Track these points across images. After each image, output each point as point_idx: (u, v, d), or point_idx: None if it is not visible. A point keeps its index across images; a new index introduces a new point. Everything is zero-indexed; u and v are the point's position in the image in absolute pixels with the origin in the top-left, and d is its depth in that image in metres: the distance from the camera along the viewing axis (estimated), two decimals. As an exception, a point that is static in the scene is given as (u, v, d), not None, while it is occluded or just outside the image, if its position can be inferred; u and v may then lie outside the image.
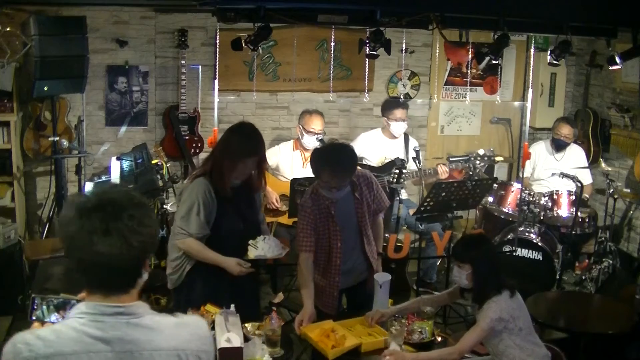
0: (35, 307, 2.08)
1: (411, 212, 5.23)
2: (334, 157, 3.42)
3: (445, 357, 2.96)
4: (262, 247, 3.39)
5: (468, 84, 6.45)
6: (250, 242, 3.41)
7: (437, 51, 6.26)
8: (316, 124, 5.23)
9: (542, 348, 3.07)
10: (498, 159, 5.49)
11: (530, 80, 6.42)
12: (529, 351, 2.99)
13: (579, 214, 5.20)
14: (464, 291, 3.20)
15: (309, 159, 5.25)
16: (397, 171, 4.92)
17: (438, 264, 5.58)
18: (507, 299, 2.98)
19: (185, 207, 3.33)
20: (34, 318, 2.04)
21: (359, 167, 3.72)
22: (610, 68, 4.79)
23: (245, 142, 3.36)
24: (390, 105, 5.60)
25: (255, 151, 3.40)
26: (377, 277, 3.42)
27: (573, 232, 5.25)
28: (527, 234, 5.20)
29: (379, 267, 3.79)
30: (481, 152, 5.34)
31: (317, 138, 5.24)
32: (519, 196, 5.27)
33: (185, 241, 3.35)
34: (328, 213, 3.52)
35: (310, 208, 3.51)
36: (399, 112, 5.47)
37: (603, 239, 5.46)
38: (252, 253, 3.40)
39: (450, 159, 5.39)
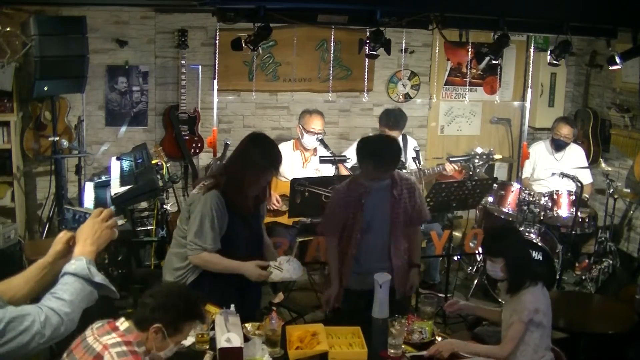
0: (66, 218, 2.23)
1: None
2: (380, 151, 3.47)
3: (492, 355, 2.97)
4: (288, 269, 3.35)
5: (468, 84, 6.45)
6: (273, 264, 3.37)
7: (437, 51, 6.27)
8: (316, 123, 5.23)
9: (551, 353, 3.08)
10: (497, 157, 5.49)
11: (530, 80, 6.42)
12: (542, 352, 2.99)
13: (579, 214, 5.20)
14: (497, 282, 3.22)
15: (309, 159, 5.29)
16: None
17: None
18: (541, 290, 3.01)
19: (198, 221, 3.27)
20: (63, 227, 2.18)
21: (407, 173, 3.75)
22: (610, 68, 4.79)
23: (268, 154, 3.34)
24: (392, 122, 5.40)
25: (277, 162, 3.40)
26: (377, 277, 3.42)
27: (573, 232, 5.25)
28: (527, 234, 5.19)
29: (415, 278, 3.78)
30: (479, 150, 5.33)
31: (317, 138, 5.24)
32: (519, 196, 5.27)
33: (200, 256, 3.30)
34: (358, 202, 3.56)
35: (343, 194, 3.61)
36: (394, 133, 5.32)
37: (603, 239, 5.46)
38: (278, 275, 3.35)
39: (450, 159, 5.38)
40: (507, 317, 3.07)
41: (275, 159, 3.36)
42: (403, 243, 3.69)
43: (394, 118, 5.44)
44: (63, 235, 2.15)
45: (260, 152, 3.30)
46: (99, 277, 1.96)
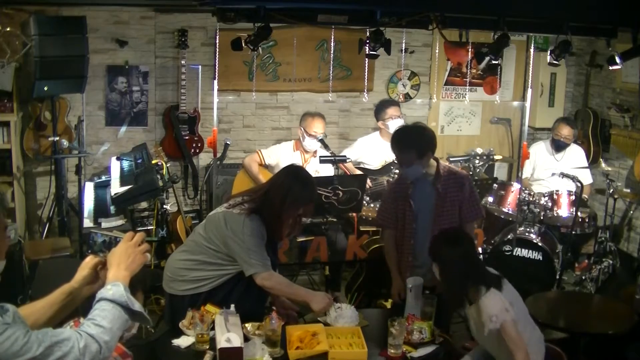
0: (92, 241, 2.17)
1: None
2: (399, 136, 3.67)
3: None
4: (350, 316, 3.28)
5: (468, 84, 6.45)
6: (336, 306, 3.31)
7: (437, 51, 6.26)
8: (318, 127, 5.21)
9: (537, 330, 3.05)
10: (497, 157, 5.50)
11: (530, 80, 6.42)
12: (535, 346, 2.96)
13: (579, 214, 5.20)
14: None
15: (308, 160, 5.30)
16: (397, 171, 4.92)
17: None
18: (495, 293, 2.88)
19: (254, 242, 3.25)
20: (89, 251, 2.12)
21: (459, 169, 3.85)
22: (610, 68, 4.78)
23: (307, 189, 3.38)
24: (381, 106, 5.58)
25: (315, 195, 3.48)
26: (409, 281, 3.40)
27: (573, 232, 5.25)
28: (527, 234, 5.20)
29: None
30: (479, 150, 5.35)
31: (317, 138, 5.24)
32: (519, 196, 5.27)
33: (273, 276, 3.27)
34: (406, 194, 3.69)
35: (392, 186, 3.85)
36: (391, 110, 5.47)
37: (603, 239, 5.46)
38: (339, 322, 3.25)
39: (450, 159, 5.38)
40: (479, 330, 2.97)
41: (313, 192, 3.44)
42: None
43: (382, 101, 5.69)
44: (90, 260, 2.10)
45: (301, 186, 3.35)
46: (137, 305, 1.92)
